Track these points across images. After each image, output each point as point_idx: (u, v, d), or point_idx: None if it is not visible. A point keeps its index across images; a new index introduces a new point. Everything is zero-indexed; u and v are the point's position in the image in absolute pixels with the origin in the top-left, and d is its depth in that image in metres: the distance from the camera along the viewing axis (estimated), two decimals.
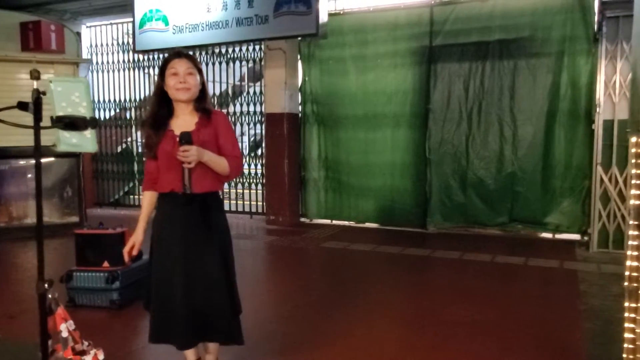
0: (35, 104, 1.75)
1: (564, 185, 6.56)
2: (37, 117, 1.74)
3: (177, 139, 2.38)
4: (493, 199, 6.87)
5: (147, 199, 2.63)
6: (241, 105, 8.29)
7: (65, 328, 1.98)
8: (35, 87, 1.78)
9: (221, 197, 2.72)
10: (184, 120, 2.51)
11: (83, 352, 2.10)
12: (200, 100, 2.53)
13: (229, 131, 2.60)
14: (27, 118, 1.84)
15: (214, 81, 8.42)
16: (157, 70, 9.01)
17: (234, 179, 7.49)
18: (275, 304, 4.38)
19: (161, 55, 8.63)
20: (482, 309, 4.13)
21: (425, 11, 6.99)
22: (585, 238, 6.35)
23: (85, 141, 1.88)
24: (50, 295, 1.92)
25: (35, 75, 1.77)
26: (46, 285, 1.87)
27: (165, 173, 2.50)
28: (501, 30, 6.64)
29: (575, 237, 6.54)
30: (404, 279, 5.16)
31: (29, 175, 7.03)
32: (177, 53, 2.52)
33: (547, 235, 6.78)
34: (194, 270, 2.49)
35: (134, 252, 2.60)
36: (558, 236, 6.71)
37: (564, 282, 4.91)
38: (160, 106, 2.51)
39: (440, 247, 6.23)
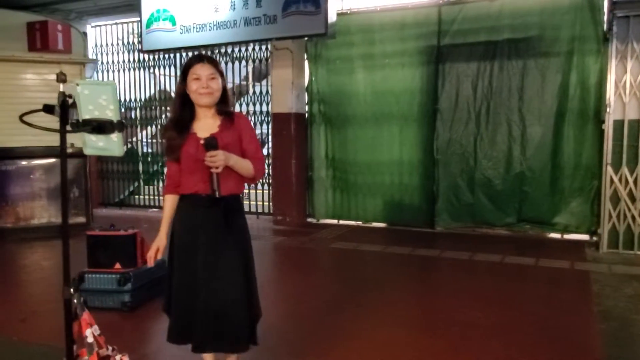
0: (61, 107, 1.72)
1: (572, 185, 6.54)
2: (64, 120, 1.71)
3: (201, 142, 2.37)
4: (501, 199, 6.85)
5: (169, 203, 2.63)
6: (247, 105, 8.26)
7: (90, 333, 1.96)
8: (61, 89, 1.75)
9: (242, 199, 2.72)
10: (206, 123, 2.51)
11: (108, 357, 2.08)
12: (222, 103, 2.53)
13: (252, 134, 2.60)
14: (37, 119, 1.83)
15: None
16: (162, 70, 9.02)
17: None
18: (287, 305, 4.36)
19: (167, 55, 8.63)
20: (495, 310, 4.11)
21: (433, 11, 6.97)
22: (595, 238, 6.33)
23: (112, 145, 1.86)
24: (75, 300, 1.90)
25: (61, 78, 1.74)
26: (72, 290, 1.85)
27: (188, 176, 2.49)
28: (510, 30, 6.61)
29: (584, 237, 6.52)
30: (414, 280, 5.14)
31: (35, 176, 7.01)
32: (200, 57, 2.52)
33: (556, 235, 6.76)
34: (215, 272, 2.48)
35: (159, 256, 2.59)
36: (567, 236, 6.69)
37: (575, 283, 4.89)
38: (182, 109, 2.51)
39: (449, 248, 6.21)
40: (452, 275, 5.24)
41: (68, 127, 1.78)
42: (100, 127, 1.81)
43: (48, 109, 1.77)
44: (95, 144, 1.88)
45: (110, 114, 1.81)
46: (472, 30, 6.81)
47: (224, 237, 2.50)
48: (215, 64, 2.50)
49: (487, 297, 4.48)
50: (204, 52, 8.23)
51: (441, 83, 7.00)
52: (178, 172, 2.53)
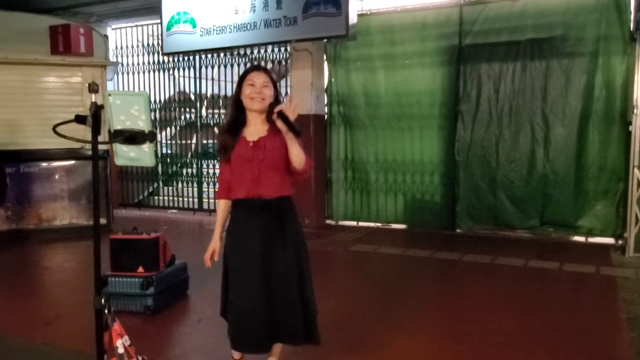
0: (93, 118, 1.71)
1: (597, 187, 6.44)
2: (96, 131, 1.71)
3: (250, 144, 2.57)
4: (523, 202, 6.76)
5: (222, 207, 2.75)
6: None
7: (121, 344, 1.96)
8: (93, 100, 1.74)
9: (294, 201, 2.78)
10: (255, 128, 2.64)
11: None
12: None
13: (302, 145, 2.65)
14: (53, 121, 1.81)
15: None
16: (181, 72, 9.05)
17: None
18: None
19: (186, 57, 8.66)
20: (519, 317, 4.04)
21: (454, 11, 6.89)
22: (620, 242, 6.22)
23: (143, 155, 1.85)
24: (107, 311, 1.89)
25: (94, 88, 1.73)
26: (102, 300, 1.84)
27: (239, 176, 2.62)
28: (533, 30, 6.52)
29: (609, 241, 6.42)
30: (437, 285, 5.09)
31: (57, 178, 7.08)
32: (257, 66, 2.71)
33: (580, 238, 6.65)
34: (271, 274, 2.59)
35: (215, 258, 2.71)
36: (591, 240, 6.57)
37: (602, 288, 4.80)
38: (237, 114, 2.66)
39: (470, 251, 6.14)
40: (474, 280, 5.17)
41: (100, 138, 1.77)
42: (132, 137, 1.80)
43: (80, 119, 1.76)
44: (127, 155, 1.87)
45: (142, 124, 1.80)
46: (494, 30, 6.73)
47: (279, 239, 2.60)
48: (270, 74, 2.67)
49: (510, 303, 4.41)
50: (224, 59, 8.26)
51: (462, 84, 6.93)
52: (229, 176, 2.66)
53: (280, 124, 2.43)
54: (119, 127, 1.80)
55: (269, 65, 8.57)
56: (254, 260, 2.58)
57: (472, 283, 5.08)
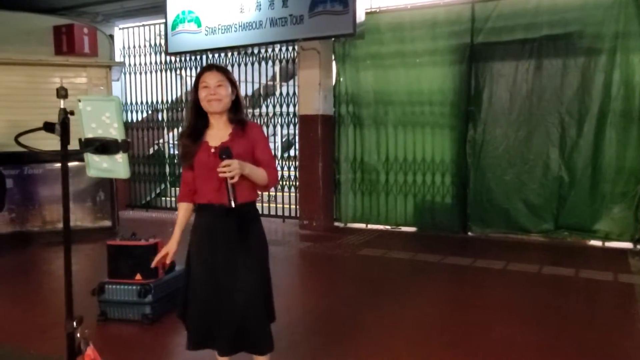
0: (62, 126, 1.57)
1: (615, 190, 6.20)
2: (64, 140, 1.56)
3: (212, 150, 2.44)
4: (537, 204, 6.55)
5: (183, 210, 2.67)
6: (274, 106, 8.12)
7: None
8: (62, 106, 1.60)
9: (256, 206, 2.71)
10: (218, 130, 2.54)
11: None
12: (234, 112, 2.55)
13: (265, 143, 2.62)
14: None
15: (245, 81, 8.25)
16: (189, 72, 8.97)
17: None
18: (312, 319, 4.18)
19: (194, 57, 8.55)
20: (534, 328, 3.85)
21: (466, 8, 6.68)
22: (639, 247, 5.97)
23: (117, 166, 1.70)
24: (79, 334, 1.75)
25: (62, 93, 1.59)
26: (74, 323, 1.70)
27: (202, 184, 2.53)
28: (548, 27, 6.30)
29: (627, 245, 6.17)
30: (446, 292, 4.89)
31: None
32: (209, 66, 2.57)
33: (596, 243, 6.41)
34: (232, 282, 2.50)
35: (167, 261, 2.63)
36: (608, 244, 6.34)
37: (621, 297, 4.58)
38: (196, 118, 2.54)
39: (482, 256, 5.94)
40: (486, 287, 4.98)
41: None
42: (104, 147, 1.66)
43: (48, 127, 1.62)
44: (99, 165, 1.73)
45: (115, 132, 1.66)
46: (507, 28, 6.51)
47: (240, 245, 2.51)
48: (224, 71, 2.54)
49: (523, 312, 4.21)
50: (231, 58, 8.14)
51: (474, 83, 6.72)
52: (193, 180, 2.58)
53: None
54: (90, 136, 1.66)
55: (277, 65, 8.44)
56: (214, 267, 2.50)
57: (483, 291, 4.88)
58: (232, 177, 2.31)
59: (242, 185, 2.44)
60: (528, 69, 6.43)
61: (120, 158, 1.71)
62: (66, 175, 1.64)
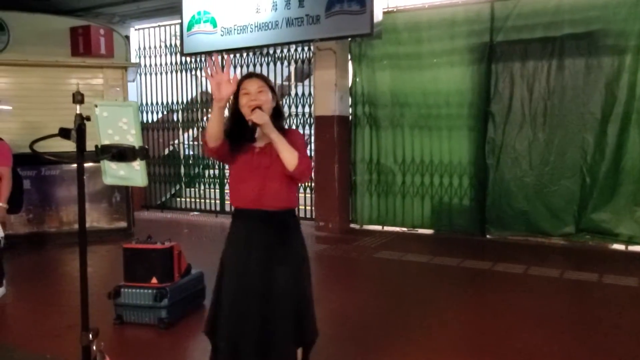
0: (78, 132, 1.51)
1: (639, 192, 6.03)
2: (81, 147, 1.51)
3: (257, 150, 2.41)
4: (558, 207, 6.40)
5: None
6: (289, 106, 8.06)
7: None
8: (78, 112, 1.55)
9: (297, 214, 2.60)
10: (260, 135, 2.45)
11: None
12: (275, 119, 2.45)
13: (301, 146, 2.48)
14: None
15: None
16: (204, 72, 8.94)
17: None
18: (328, 325, 4.09)
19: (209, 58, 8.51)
20: (557, 336, 3.74)
21: (485, 7, 6.56)
22: None
23: (134, 174, 1.65)
24: (95, 347, 1.70)
25: (78, 99, 1.53)
26: (91, 335, 1.65)
27: (241, 184, 2.45)
28: (570, 25, 6.15)
29: None
30: (465, 297, 4.79)
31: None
32: (249, 74, 2.54)
33: (619, 247, 6.25)
34: (264, 300, 2.38)
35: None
36: (631, 248, 6.17)
37: None
38: (235, 127, 2.46)
39: (501, 259, 5.82)
40: (506, 292, 4.86)
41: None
42: (120, 154, 1.60)
43: (64, 133, 1.57)
44: (116, 173, 1.67)
45: (132, 139, 1.60)
46: (527, 26, 6.37)
47: (279, 255, 2.41)
48: (264, 79, 2.52)
49: (545, 319, 4.10)
50: (247, 59, 8.10)
51: (494, 83, 6.60)
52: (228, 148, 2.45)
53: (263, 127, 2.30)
54: (106, 143, 1.61)
55: (292, 65, 8.38)
56: (250, 277, 2.40)
57: (504, 296, 4.77)
58: (254, 109, 2.27)
59: (280, 191, 2.41)
60: (549, 68, 6.29)
61: (138, 166, 1.66)
62: (82, 183, 1.59)
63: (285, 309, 2.38)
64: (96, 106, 1.62)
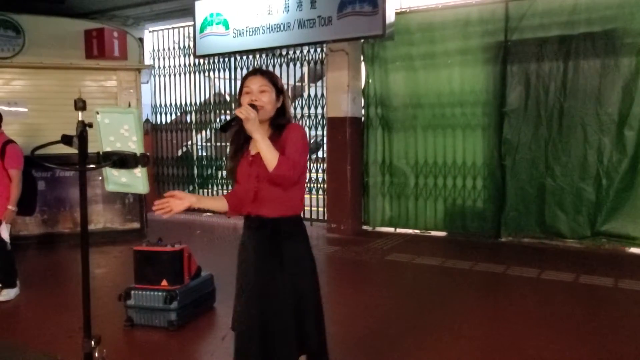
0: (80, 139, 1.51)
1: None
2: (83, 154, 1.50)
3: (250, 158, 2.29)
4: (574, 209, 6.30)
5: (219, 198, 2.44)
6: (302, 108, 8.04)
7: None
8: (80, 118, 1.54)
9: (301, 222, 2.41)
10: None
11: None
12: (276, 117, 2.32)
13: (295, 141, 2.27)
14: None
15: None
16: (217, 74, 8.96)
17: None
18: (338, 328, 4.07)
19: (222, 59, 8.55)
20: (571, 342, 3.67)
21: (500, 6, 6.48)
22: None
23: (136, 181, 1.64)
24: (97, 354, 1.70)
25: (80, 105, 1.53)
26: (92, 342, 1.64)
27: (244, 193, 2.34)
28: (586, 24, 6.05)
29: None
30: (477, 302, 4.72)
31: (92, 182, 7.06)
32: (254, 70, 2.36)
33: (636, 251, 6.14)
34: (266, 302, 2.26)
35: (176, 195, 2.21)
36: None
37: None
38: (238, 132, 2.34)
39: (515, 263, 5.74)
40: (520, 297, 4.79)
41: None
42: (122, 161, 1.59)
43: (66, 140, 1.56)
44: (118, 180, 1.66)
45: (134, 145, 1.59)
46: (543, 26, 6.29)
47: (274, 263, 2.27)
48: (269, 76, 2.32)
49: (559, 325, 4.02)
50: (259, 60, 8.11)
51: (509, 83, 6.52)
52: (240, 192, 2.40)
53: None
54: (108, 149, 1.60)
55: (305, 66, 8.36)
56: (248, 283, 2.31)
57: (517, 300, 4.70)
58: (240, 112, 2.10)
59: (281, 196, 2.26)
60: (565, 68, 6.20)
61: (139, 172, 1.65)
62: (84, 189, 1.58)
63: (281, 320, 2.26)
64: (97, 113, 1.61)
